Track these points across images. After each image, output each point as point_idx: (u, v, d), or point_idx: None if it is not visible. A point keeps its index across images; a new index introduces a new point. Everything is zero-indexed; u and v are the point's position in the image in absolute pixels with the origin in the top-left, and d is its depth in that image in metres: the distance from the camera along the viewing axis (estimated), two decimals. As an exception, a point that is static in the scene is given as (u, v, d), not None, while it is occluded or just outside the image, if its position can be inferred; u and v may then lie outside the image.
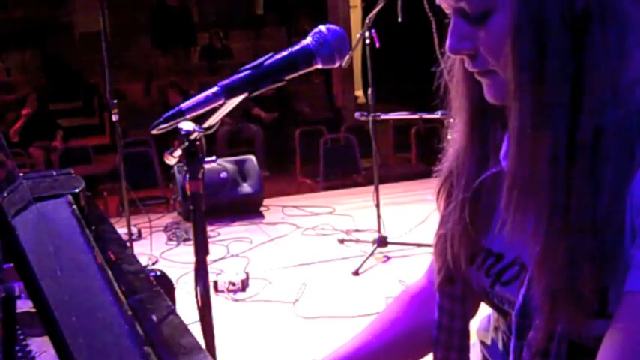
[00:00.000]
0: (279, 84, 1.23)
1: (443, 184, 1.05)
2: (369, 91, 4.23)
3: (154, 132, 1.25)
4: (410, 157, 7.45)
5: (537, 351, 0.88)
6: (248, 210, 5.48)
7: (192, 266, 1.39)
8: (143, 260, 4.35)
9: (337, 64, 1.24)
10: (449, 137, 1.05)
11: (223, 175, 5.44)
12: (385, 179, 5.35)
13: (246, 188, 5.55)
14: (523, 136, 0.84)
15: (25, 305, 0.94)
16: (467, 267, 1.01)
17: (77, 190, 1.07)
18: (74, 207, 1.00)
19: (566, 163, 0.82)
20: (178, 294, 3.31)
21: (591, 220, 0.81)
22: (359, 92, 10.25)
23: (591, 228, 0.81)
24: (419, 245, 4.30)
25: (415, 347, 1.13)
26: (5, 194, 0.97)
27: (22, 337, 0.91)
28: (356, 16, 9.81)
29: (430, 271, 1.17)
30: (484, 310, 1.11)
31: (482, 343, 1.12)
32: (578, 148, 0.81)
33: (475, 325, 1.13)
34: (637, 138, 0.80)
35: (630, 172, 0.79)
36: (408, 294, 1.19)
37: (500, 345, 1.05)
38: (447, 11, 0.90)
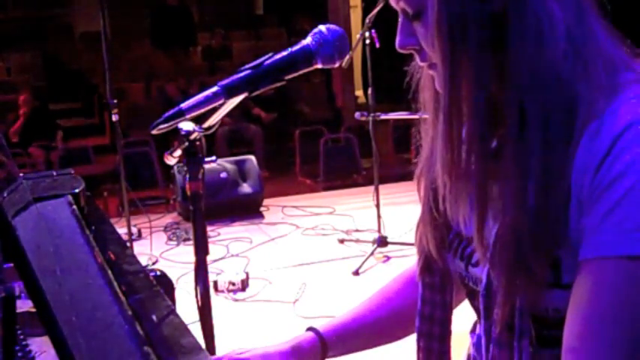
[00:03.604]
0: (279, 84, 1.23)
1: (420, 174, 1.09)
2: (369, 91, 4.23)
3: (154, 132, 1.25)
4: (410, 157, 7.43)
5: (502, 327, 0.92)
6: (248, 210, 5.48)
7: (192, 266, 1.39)
8: (143, 260, 4.35)
9: (337, 64, 1.24)
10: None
11: (223, 175, 5.44)
12: (385, 179, 5.35)
13: (246, 188, 5.55)
14: (446, 125, 0.90)
15: (25, 305, 0.94)
16: (444, 253, 1.06)
17: (77, 190, 1.07)
18: (74, 207, 1.00)
19: (490, 151, 0.89)
20: (178, 294, 3.30)
21: (526, 200, 0.86)
22: (359, 92, 10.24)
23: (529, 207, 0.85)
24: (419, 245, 4.29)
25: (405, 325, 1.18)
26: (5, 194, 0.97)
27: (22, 337, 0.91)
28: (356, 16, 9.80)
29: None
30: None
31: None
32: (504, 134, 0.88)
33: (468, 326, 1.14)
34: (571, 120, 0.85)
35: (568, 153, 0.84)
36: (404, 275, 1.25)
37: (479, 335, 1.06)
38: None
